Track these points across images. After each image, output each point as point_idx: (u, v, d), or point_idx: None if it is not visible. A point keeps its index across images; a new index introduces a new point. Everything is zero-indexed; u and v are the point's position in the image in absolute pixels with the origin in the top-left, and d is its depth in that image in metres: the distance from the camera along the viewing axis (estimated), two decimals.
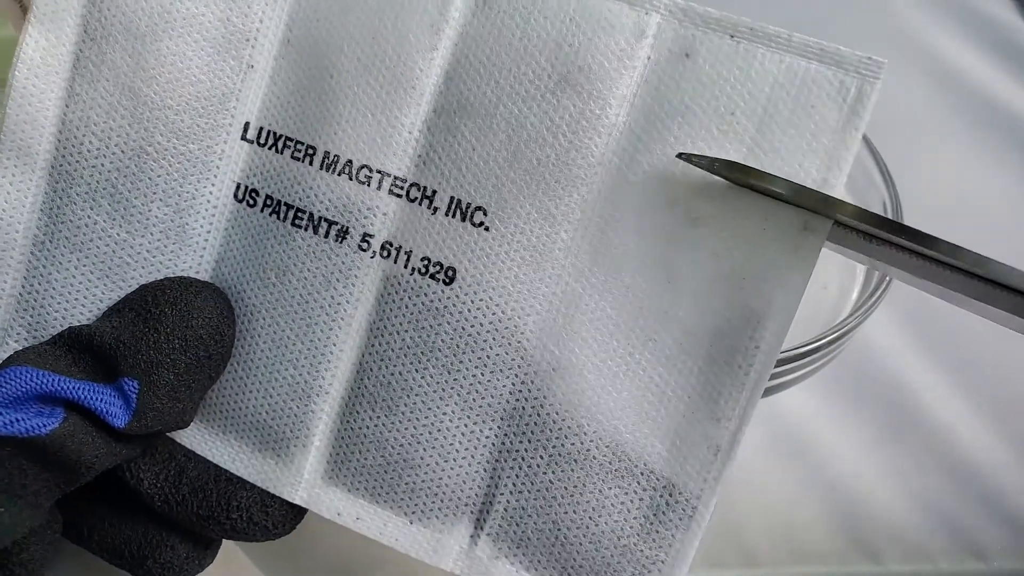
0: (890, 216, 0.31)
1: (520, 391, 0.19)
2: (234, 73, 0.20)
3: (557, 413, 0.18)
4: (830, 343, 0.26)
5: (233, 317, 0.20)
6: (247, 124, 0.20)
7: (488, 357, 0.19)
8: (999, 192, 0.43)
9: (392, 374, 0.19)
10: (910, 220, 0.29)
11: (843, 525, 0.30)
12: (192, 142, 0.20)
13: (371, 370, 0.19)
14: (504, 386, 0.19)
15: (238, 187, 0.20)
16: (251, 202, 0.20)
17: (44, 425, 0.17)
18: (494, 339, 0.19)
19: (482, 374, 0.19)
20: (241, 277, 0.20)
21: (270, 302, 0.20)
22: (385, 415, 0.19)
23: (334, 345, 0.19)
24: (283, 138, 0.20)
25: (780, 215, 0.17)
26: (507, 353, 0.19)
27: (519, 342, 0.18)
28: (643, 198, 0.18)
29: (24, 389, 0.18)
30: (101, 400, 0.18)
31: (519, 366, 0.19)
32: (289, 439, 0.20)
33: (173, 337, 0.18)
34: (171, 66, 0.19)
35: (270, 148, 0.20)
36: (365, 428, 0.19)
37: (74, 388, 0.18)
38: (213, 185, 0.20)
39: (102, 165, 0.20)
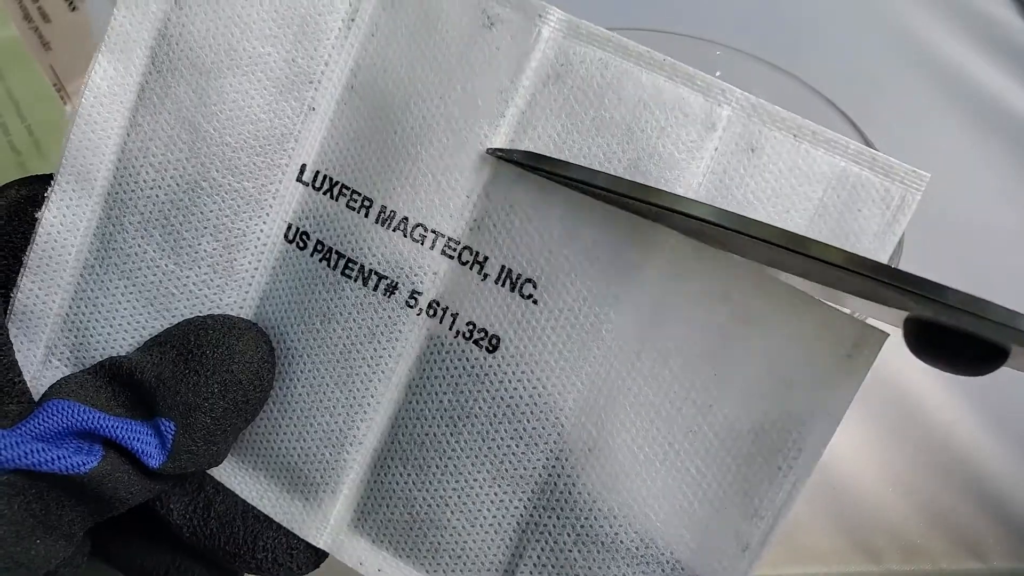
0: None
1: (554, 467, 0.19)
2: (295, 114, 0.19)
3: (589, 494, 0.18)
4: None
5: (273, 361, 0.20)
6: (304, 166, 0.20)
7: (524, 430, 0.19)
8: (999, 192, 0.43)
9: (427, 434, 0.19)
10: (910, 219, 0.31)
11: (843, 525, 0.31)
12: (247, 179, 0.20)
13: (406, 427, 0.19)
14: (538, 460, 0.19)
15: (289, 228, 0.20)
16: (301, 244, 0.20)
17: (84, 464, 0.17)
18: (532, 412, 0.18)
19: (516, 445, 0.19)
20: (285, 318, 0.20)
21: (312, 347, 0.20)
22: (416, 473, 0.19)
23: (371, 397, 0.19)
24: (340, 185, 0.19)
25: (837, 323, 0.17)
26: (544, 428, 0.18)
27: (557, 418, 0.18)
28: (698, 290, 0.18)
29: (65, 424, 0.18)
30: (138, 440, 0.18)
31: (555, 442, 0.18)
32: (319, 484, 0.20)
33: (212, 381, 0.18)
34: (232, 103, 0.19)
35: (325, 193, 0.20)
36: (395, 483, 0.19)
37: (113, 427, 0.18)
38: (264, 223, 0.20)
39: (156, 196, 0.19)
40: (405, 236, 0.19)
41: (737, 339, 0.17)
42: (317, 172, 0.20)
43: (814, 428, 0.17)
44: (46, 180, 0.19)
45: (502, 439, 0.19)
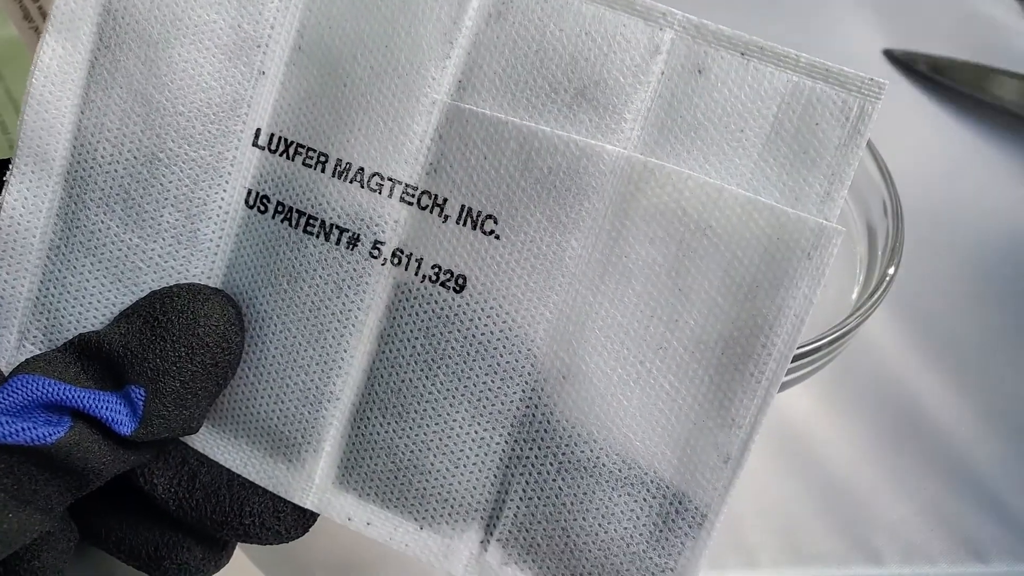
0: (889, 216, 0.31)
1: (530, 398, 0.19)
2: (245, 79, 0.20)
3: (567, 421, 0.19)
4: (830, 343, 0.26)
5: (242, 324, 0.20)
6: (258, 130, 0.20)
7: (498, 364, 0.19)
8: (1000, 192, 0.43)
9: (403, 381, 0.19)
10: (909, 219, 0.30)
11: (843, 526, 0.31)
12: (203, 148, 0.20)
13: (382, 376, 0.19)
14: (515, 393, 0.19)
15: (249, 193, 0.20)
16: (262, 208, 0.20)
17: (50, 434, 0.17)
18: (504, 347, 0.19)
19: (492, 381, 0.19)
20: (252, 283, 0.20)
21: (281, 308, 0.20)
22: (395, 421, 0.19)
23: (345, 352, 0.19)
24: (295, 145, 0.20)
25: (793, 224, 0.17)
26: (517, 361, 0.19)
27: (529, 350, 0.19)
28: (654, 207, 0.18)
29: (31, 397, 0.18)
30: (107, 408, 0.18)
31: (529, 373, 0.19)
32: (300, 444, 0.20)
33: (179, 345, 0.19)
34: (183, 72, 0.19)
35: (281, 155, 0.20)
36: (376, 434, 0.20)
37: (80, 397, 0.18)
38: (224, 191, 0.20)
39: (115, 171, 0.20)
40: (362, 187, 0.19)
41: (696, 251, 0.18)
42: (272, 135, 0.20)
43: (780, 331, 0.17)
44: (4, 165, 0.19)
45: (477, 376, 0.19)
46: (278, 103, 0.20)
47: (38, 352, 0.20)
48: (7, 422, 0.17)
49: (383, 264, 0.19)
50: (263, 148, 0.20)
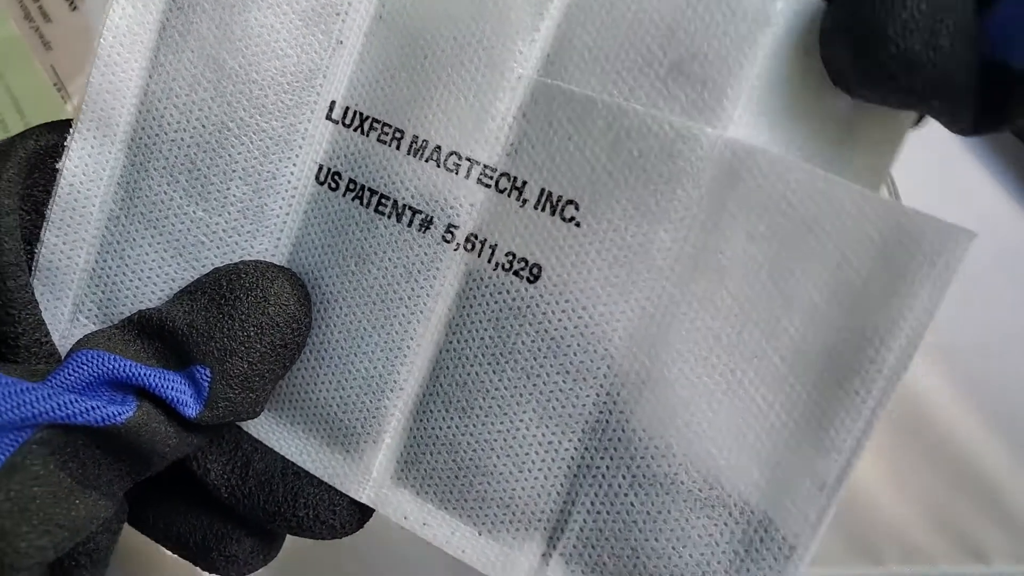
0: None
1: (605, 403, 0.17)
2: (322, 48, 0.19)
3: (644, 431, 0.17)
4: None
5: (310, 304, 0.19)
6: (333, 103, 0.19)
7: (571, 364, 0.17)
8: (1001, 192, 0.41)
9: (469, 375, 0.18)
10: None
11: (843, 526, 0.30)
12: (275, 119, 0.19)
13: (447, 369, 0.18)
14: (587, 396, 0.17)
15: (320, 169, 0.19)
16: (333, 185, 0.19)
17: (119, 414, 0.17)
18: (579, 344, 0.17)
19: (564, 381, 0.17)
20: (319, 263, 0.19)
21: (348, 291, 0.19)
22: (459, 417, 0.18)
23: (411, 340, 0.18)
24: (370, 120, 0.19)
25: (914, 223, 0.15)
26: (592, 361, 0.17)
27: (606, 349, 0.17)
28: (756, 199, 0.16)
29: (96, 373, 0.17)
30: (173, 388, 0.17)
31: (605, 376, 0.17)
32: (360, 435, 0.19)
33: (248, 325, 0.18)
34: (257, 38, 0.18)
35: (356, 129, 0.19)
36: (438, 429, 0.18)
37: (146, 375, 0.17)
38: (295, 165, 0.19)
39: (182, 140, 0.19)
40: (439, 166, 0.18)
41: (800, 249, 0.16)
42: (347, 108, 0.19)
43: (893, 345, 0.15)
44: (65, 127, 0.19)
45: (548, 375, 0.17)
46: (355, 75, 0.19)
47: (92, 327, 0.19)
48: (74, 401, 0.16)
49: (456, 249, 0.18)
50: (337, 122, 0.19)
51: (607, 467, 0.17)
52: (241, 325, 0.18)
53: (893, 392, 0.15)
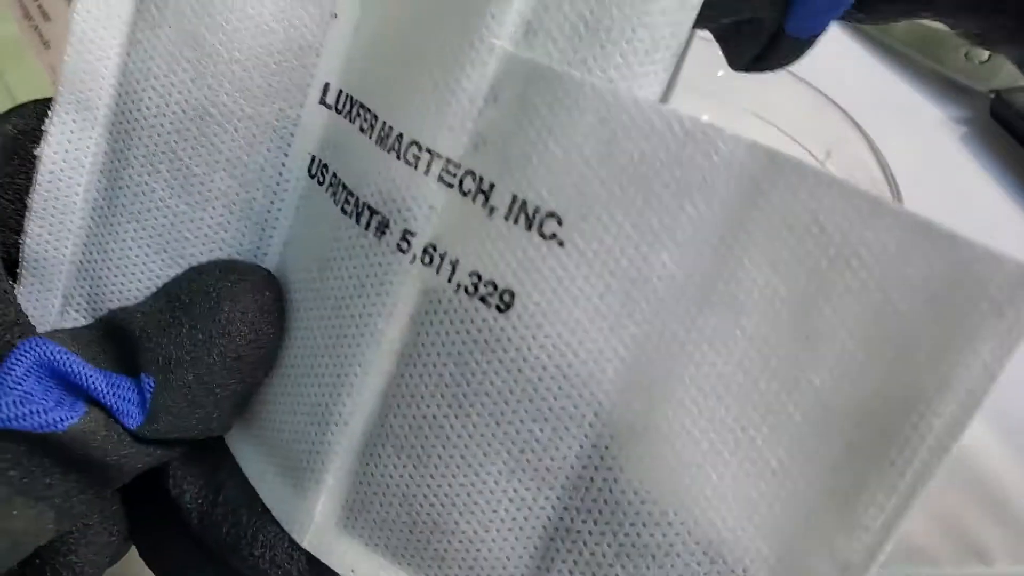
0: None
1: (590, 457, 0.14)
2: (313, 22, 0.16)
3: (635, 492, 0.14)
4: None
5: (279, 314, 0.16)
6: (327, 85, 0.16)
7: (551, 409, 0.14)
8: (1001, 192, 0.42)
9: (424, 416, 0.15)
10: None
11: None
12: (263, 104, 0.16)
13: (398, 407, 0.15)
14: (569, 447, 0.14)
15: (313, 160, 0.16)
16: (320, 179, 0.16)
17: (63, 420, 0.15)
18: (560, 388, 0.14)
19: (541, 430, 0.14)
20: (296, 265, 0.16)
21: (309, 300, 0.16)
22: (413, 465, 0.15)
23: (358, 367, 0.15)
24: (358, 104, 0.16)
25: (980, 263, 0.12)
26: (576, 407, 0.14)
27: (593, 394, 0.14)
28: (781, 219, 0.13)
29: (36, 365, 0.15)
30: (117, 395, 0.15)
31: (591, 425, 0.14)
32: (304, 469, 0.16)
33: (196, 332, 0.15)
34: (240, 11, 0.15)
35: (345, 116, 0.16)
36: (388, 476, 0.15)
37: (91, 376, 0.15)
38: (286, 156, 0.16)
39: (161, 126, 0.16)
40: (399, 158, 0.15)
41: (833, 284, 0.13)
42: (340, 91, 0.16)
43: (943, 410, 0.13)
44: (43, 111, 0.16)
45: (521, 422, 0.14)
46: (350, 52, 0.16)
47: (83, 320, 0.17)
48: (13, 403, 0.15)
49: (412, 261, 0.15)
50: (331, 107, 0.16)
51: (590, 531, 0.14)
52: (189, 332, 0.15)
53: (939, 467, 0.13)
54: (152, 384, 0.15)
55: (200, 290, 0.16)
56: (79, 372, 0.15)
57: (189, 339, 0.15)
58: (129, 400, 0.15)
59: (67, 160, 0.17)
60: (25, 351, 0.15)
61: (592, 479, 0.14)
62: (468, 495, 0.15)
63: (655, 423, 0.14)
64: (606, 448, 0.14)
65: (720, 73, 0.38)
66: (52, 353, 0.15)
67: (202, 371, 0.15)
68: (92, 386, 0.15)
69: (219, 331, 0.15)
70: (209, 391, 0.16)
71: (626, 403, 0.14)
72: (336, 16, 0.16)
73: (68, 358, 0.15)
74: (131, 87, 0.16)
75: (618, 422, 0.14)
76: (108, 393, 0.15)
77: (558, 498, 0.15)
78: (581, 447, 0.14)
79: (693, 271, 0.13)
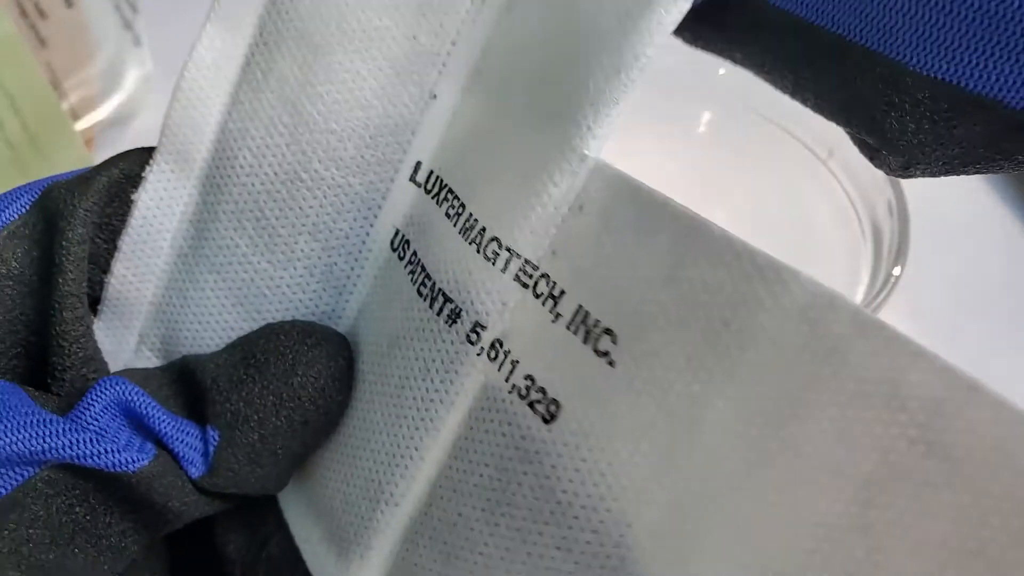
0: (895, 216, 0.30)
1: None
2: (413, 102, 0.16)
3: None
4: None
5: (349, 382, 0.17)
6: (418, 164, 0.17)
7: (575, 541, 0.13)
8: (1001, 192, 0.42)
9: (460, 515, 0.14)
10: (915, 220, 0.31)
11: None
12: (354, 175, 0.17)
13: (441, 498, 0.15)
14: None
15: (396, 234, 0.17)
16: (401, 254, 0.17)
17: (134, 461, 0.15)
18: (588, 519, 0.13)
19: (564, 561, 0.13)
20: (367, 335, 0.17)
21: (375, 372, 0.16)
22: (442, 563, 0.15)
23: (415, 450, 0.15)
24: (447, 188, 0.16)
25: None
26: (602, 545, 0.13)
27: (622, 536, 0.13)
28: (858, 388, 0.11)
29: (111, 401, 0.16)
30: (184, 442, 0.16)
31: (615, 568, 0.13)
32: (351, 541, 0.16)
33: (267, 393, 0.16)
34: (341, 85, 0.17)
35: (433, 198, 0.16)
36: (422, 567, 0.15)
37: (161, 419, 0.16)
38: (372, 226, 0.17)
39: (252, 185, 0.17)
40: (479, 252, 0.15)
41: (919, 483, 0.10)
42: (431, 172, 0.17)
43: None
44: (147, 158, 0.18)
45: (545, 547, 0.13)
46: (445, 136, 0.16)
47: (156, 361, 0.19)
48: (89, 440, 0.15)
49: (479, 354, 0.15)
50: (420, 185, 0.17)
51: None
52: (260, 392, 0.16)
53: None
54: (217, 438, 0.16)
55: (276, 350, 0.16)
56: (152, 415, 0.15)
57: (260, 398, 0.16)
58: (195, 448, 0.16)
59: (160, 207, 0.18)
60: (104, 389, 0.16)
61: None
62: None
63: None
64: None
65: (721, 72, 0.37)
66: (129, 393, 0.16)
67: (268, 432, 0.16)
68: (162, 430, 0.16)
69: (290, 394, 0.16)
70: (272, 452, 0.16)
71: (655, 554, 0.12)
72: (435, 97, 0.16)
73: (143, 399, 0.16)
74: (228, 145, 0.17)
75: (644, 571, 0.13)
76: (176, 439, 0.16)
77: None
78: None
79: (749, 424, 0.12)
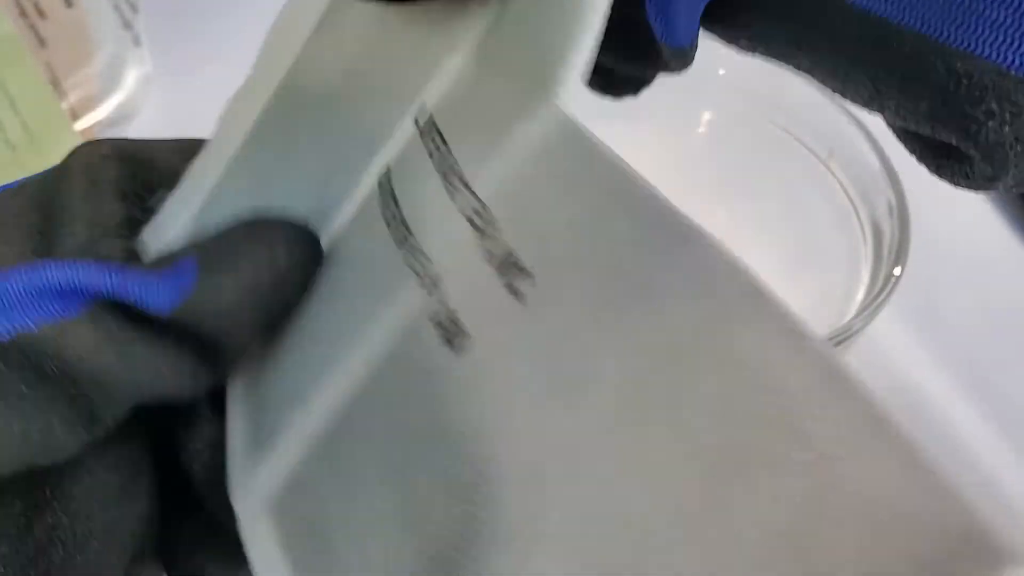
0: (895, 215, 0.31)
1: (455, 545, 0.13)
2: (441, 50, 0.17)
3: None
4: (835, 344, 0.27)
5: (315, 265, 0.17)
6: (423, 105, 0.17)
7: (446, 469, 0.13)
8: (1000, 192, 0.42)
9: (360, 432, 0.15)
10: (916, 220, 0.31)
11: None
12: (386, 99, 0.17)
13: (348, 417, 0.15)
14: (440, 522, 0.13)
15: (386, 171, 0.17)
16: (382, 187, 0.17)
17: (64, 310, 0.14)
18: (465, 450, 0.13)
19: (433, 490, 0.14)
20: (333, 259, 0.17)
21: (328, 287, 0.17)
22: (334, 479, 0.15)
23: (338, 362, 0.16)
24: (436, 129, 0.16)
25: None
26: (470, 480, 0.13)
27: (488, 472, 0.13)
28: (736, 358, 0.11)
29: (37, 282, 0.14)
30: (135, 281, 0.15)
31: (478, 504, 0.13)
32: (263, 441, 0.17)
33: (246, 240, 0.16)
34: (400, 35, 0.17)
35: (424, 136, 0.16)
36: (315, 481, 0.16)
37: (99, 273, 0.15)
38: (372, 157, 0.17)
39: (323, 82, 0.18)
40: (444, 188, 0.15)
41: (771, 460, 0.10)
42: (430, 115, 0.17)
43: None
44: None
45: (422, 471, 0.14)
46: (454, 86, 0.17)
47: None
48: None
49: (419, 285, 0.15)
50: (417, 126, 0.17)
51: None
52: (240, 234, 0.17)
53: None
54: (195, 265, 0.15)
55: (256, 222, 0.17)
56: (85, 276, 0.15)
57: (239, 241, 0.16)
58: (153, 282, 0.15)
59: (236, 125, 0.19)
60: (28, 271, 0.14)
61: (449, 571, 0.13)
62: (348, 521, 0.15)
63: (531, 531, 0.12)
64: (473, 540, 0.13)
65: (721, 72, 0.36)
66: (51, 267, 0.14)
67: (246, 277, 0.16)
68: (99, 283, 0.15)
69: (267, 254, 0.16)
70: (248, 289, 0.16)
71: (516, 498, 0.12)
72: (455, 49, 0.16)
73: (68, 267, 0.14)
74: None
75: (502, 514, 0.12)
76: (122, 283, 0.15)
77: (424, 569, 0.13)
78: (451, 530, 0.13)
79: (630, 384, 0.11)
